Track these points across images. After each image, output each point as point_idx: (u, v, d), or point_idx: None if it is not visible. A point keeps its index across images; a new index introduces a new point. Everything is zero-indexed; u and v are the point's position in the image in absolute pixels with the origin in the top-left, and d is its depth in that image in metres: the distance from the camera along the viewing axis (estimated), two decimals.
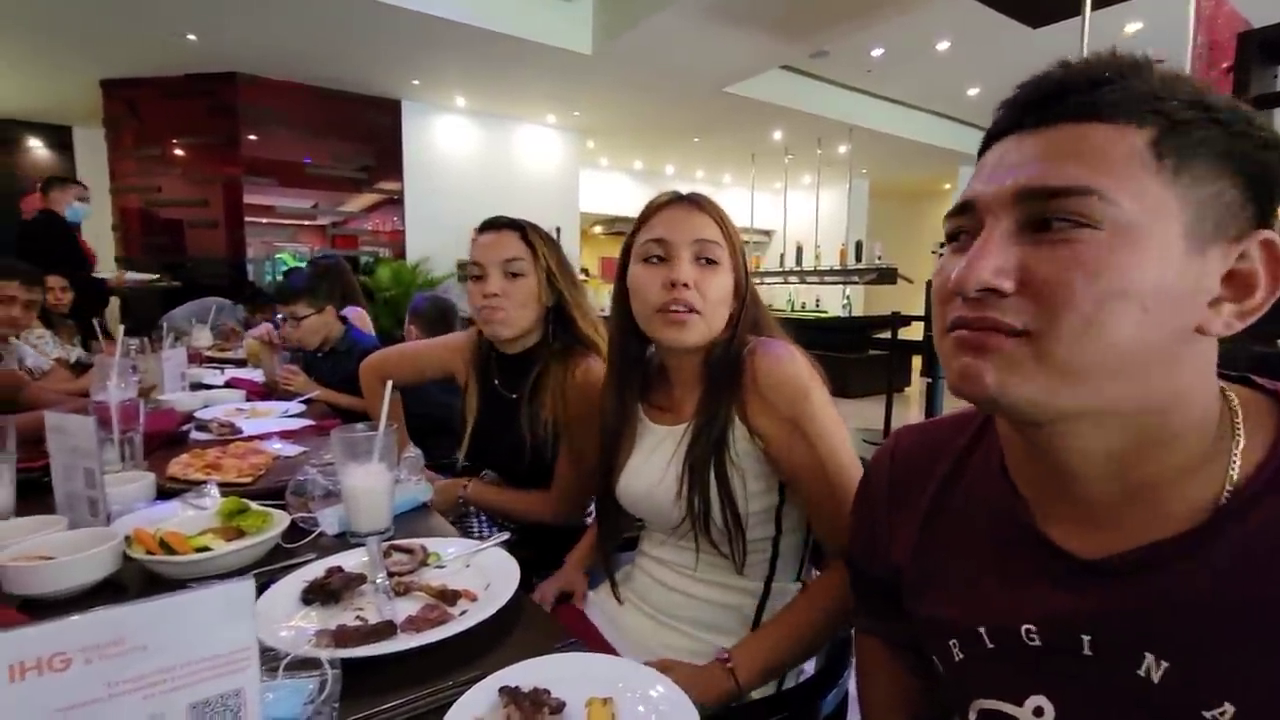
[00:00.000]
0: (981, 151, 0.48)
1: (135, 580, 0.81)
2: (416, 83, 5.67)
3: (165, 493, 1.11)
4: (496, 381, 1.32)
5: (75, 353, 2.76)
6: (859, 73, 6.22)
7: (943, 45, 5.49)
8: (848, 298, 8.18)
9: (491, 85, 5.75)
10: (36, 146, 6.89)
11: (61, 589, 0.74)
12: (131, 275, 3.88)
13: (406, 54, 4.97)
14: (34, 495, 1.01)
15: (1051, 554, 0.47)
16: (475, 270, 1.24)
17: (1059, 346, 0.40)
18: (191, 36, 4.61)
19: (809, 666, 0.92)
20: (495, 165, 6.69)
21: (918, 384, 7.17)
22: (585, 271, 8.76)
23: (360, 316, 2.90)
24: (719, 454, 0.85)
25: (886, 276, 6.20)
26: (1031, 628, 0.47)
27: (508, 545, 0.91)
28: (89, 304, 3.36)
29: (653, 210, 0.92)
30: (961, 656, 0.52)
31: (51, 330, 2.77)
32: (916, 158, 8.37)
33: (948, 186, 10.47)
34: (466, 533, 1.24)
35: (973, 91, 6.69)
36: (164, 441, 1.46)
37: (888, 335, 5.50)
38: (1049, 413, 0.43)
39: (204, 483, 1.11)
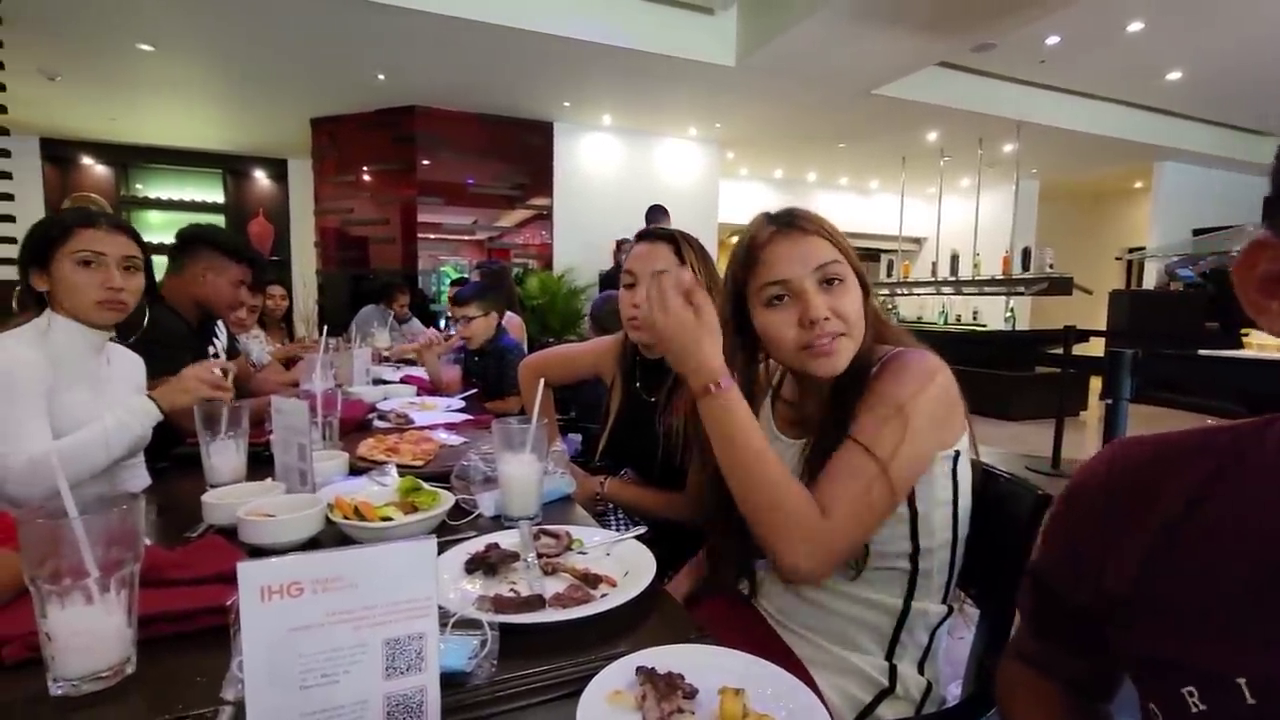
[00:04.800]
0: None
1: (332, 540, 0.95)
2: (567, 104, 6.03)
3: (355, 469, 1.29)
4: (638, 384, 1.39)
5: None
6: (1030, 64, 5.68)
7: (1135, 26, 4.87)
8: (1012, 310, 7.46)
9: (636, 102, 5.97)
10: (261, 177, 8.23)
11: (281, 541, 0.89)
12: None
13: (560, 78, 5.31)
14: (257, 465, 1.22)
15: None
16: (628, 279, 1.31)
17: None
18: (381, 76, 5.27)
19: (951, 695, 0.86)
20: (638, 179, 6.91)
21: (1095, 408, 6.35)
22: None
23: (519, 326, 3.17)
24: None
25: (1060, 286, 5.55)
26: None
27: (642, 540, 0.95)
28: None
29: (758, 247, 0.87)
30: (1202, 708, 0.44)
31: (265, 331, 3.29)
32: (1099, 154, 7.49)
33: (1139, 185, 9.17)
34: (605, 528, 1.31)
35: (1173, 76, 5.85)
36: (354, 427, 1.69)
37: (1059, 352, 4.92)
38: None
39: (385, 463, 1.27)
